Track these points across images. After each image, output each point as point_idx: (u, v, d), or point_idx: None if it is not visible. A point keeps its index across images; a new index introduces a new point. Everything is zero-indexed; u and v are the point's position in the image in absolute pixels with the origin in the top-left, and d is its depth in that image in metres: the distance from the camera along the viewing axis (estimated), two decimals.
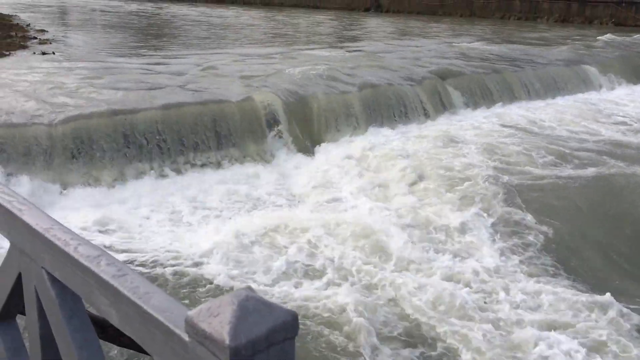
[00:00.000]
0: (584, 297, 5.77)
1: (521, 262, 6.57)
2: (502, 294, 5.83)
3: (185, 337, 0.97)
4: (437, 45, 20.78)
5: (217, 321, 0.91)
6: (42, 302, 1.43)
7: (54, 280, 1.36)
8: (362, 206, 8.11)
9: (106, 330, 1.47)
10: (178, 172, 9.02)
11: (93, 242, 5.56)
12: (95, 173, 8.49)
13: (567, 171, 9.39)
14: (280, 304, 0.97)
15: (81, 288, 1.27)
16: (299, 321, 0.97)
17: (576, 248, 7.06)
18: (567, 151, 10.36)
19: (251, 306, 0.93)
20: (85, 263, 1.22)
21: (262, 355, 0.90)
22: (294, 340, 0.96)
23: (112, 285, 1.15)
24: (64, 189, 8.16)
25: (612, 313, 5.48)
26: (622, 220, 7.78)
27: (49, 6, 37.04)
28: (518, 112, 13.50)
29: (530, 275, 6.29)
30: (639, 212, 8.03)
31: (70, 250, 1.26)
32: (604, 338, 5.16)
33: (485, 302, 5.71)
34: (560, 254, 6.85)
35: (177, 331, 1.00)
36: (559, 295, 5.83)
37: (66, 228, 1.36)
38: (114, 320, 1.18)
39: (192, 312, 0.96)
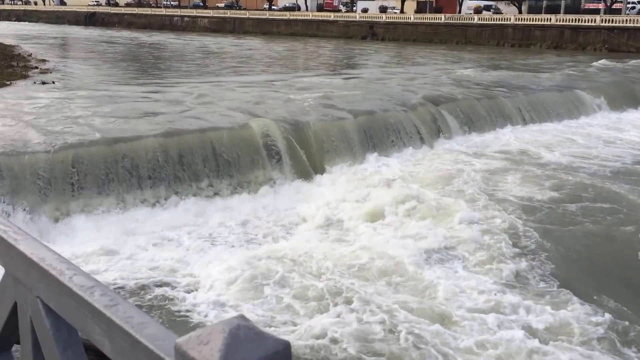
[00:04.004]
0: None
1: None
2: None
3: None
4: (432, 72, 21.07)
5: (207, 349, 0.89)
6: (36, 333, 1.43)
7: (49, 310, 1.37)
8: (362, 232, 8.13)
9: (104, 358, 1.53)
10: (177, 199, 9.02)
11: (94, 268, 5.57)
12: (94, 201, 8.46)
13: (554, 190, 9.49)
14: (272, 334, 0.95)
15: (75, 318, 1.27)
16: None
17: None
18: (562, 176, 10.46)
19: (242, 335, 0.92)
20: (80, 293, 1.22)
21: None
22: None
23: (104, 315, 1.15)
24: (62, 217, 8.11)
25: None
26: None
27: (50, 37, 37.53)
28: (512, 136, 13.67)
29: None
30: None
31: (65, 280, 1.27)
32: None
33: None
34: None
35: (168, 359, 0.99)
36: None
37: (62, 257, 1.37)
38: (107, 349, 1.17)
39: (181, 340, 0.94)
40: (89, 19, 72.22)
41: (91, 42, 35.73)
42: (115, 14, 72.72)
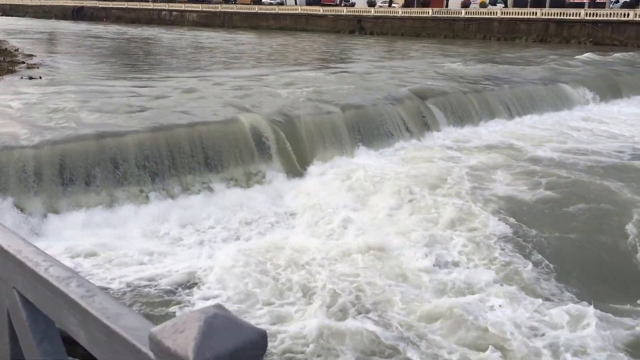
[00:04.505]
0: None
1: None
2: None
3: (151, 355, 0.94)
4: (420, 66, 21.24)
5: (182, 337, 0.89)
6: (13, 325, 1.43)
7: (25, 302, 1.37)
8: (351, 226, 8.23)
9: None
10: (167, 195, 9.02)
11: (82, 263, 5.63)
12: (82, 197, 8.43)
13: (541, 186, 9.69)
14: (249, 322, 0.95)
15: (52, 309, 1.27)
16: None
17: None
18: (541, 166, 10.68)
19: (218, 323, 0.91)
20: (56, 284, 1.22)
21: None
22: (262, 358, 0.95)
23: (80, 306, 1.14)
24: (51, 213, 8.08)
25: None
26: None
27: (37, 32, 37.26)
28: (496, 129, 13.88)
29: None
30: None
31: (41, 271, 1.26)
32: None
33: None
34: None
35: (144, 349, 0.98)
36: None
37: (38, 250, 1.37)
38: (83, 340, 1.17)
39: (155, 329, 0.93)
40: (77, 13, 71.63)
41: (79, 37, 35.52)
42: (102, 8, 72.16)
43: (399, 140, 12.39)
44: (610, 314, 5.94)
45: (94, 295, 1.16)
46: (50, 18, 70.34)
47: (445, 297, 6.29)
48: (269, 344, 5.27)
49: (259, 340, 0.93)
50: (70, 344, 1.35)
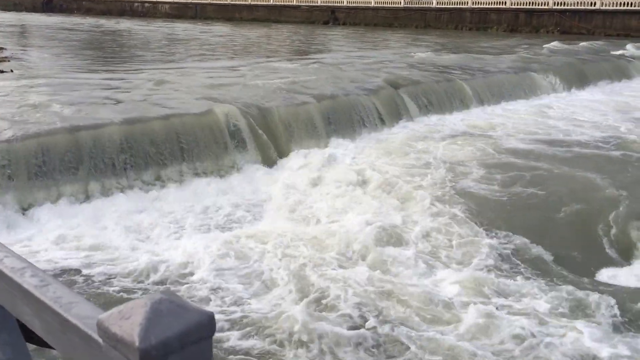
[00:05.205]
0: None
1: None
2: None
3: (101, 342, 0.96)
4: (393, 56, 21.54)
5: (128, 324, 0.90)
6: None
7: None
8: (325, 213, 8.47)
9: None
10: (142, 187, 9.08)
11: (65, 261, 5.74)
12: (57, 190, 8.45)
13: (512, 172, 10.07)
14: (196, 305, 0.96)
15: (7, 299, 1.27)
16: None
17: None
18: (514, 152, 11.07)
19: (165, 308, 0.92)
20: (10, 274, 1.22)
21: (176, 356, 0.90)
22: (210, 340, 0.96)
23: (34, 295, 1.15)
24: (26, 208, 8.10)
25: None
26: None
27: (7, 25, 36.57)
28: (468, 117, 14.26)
29: None
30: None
31: None
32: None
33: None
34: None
35: (94, 336, 0.99)
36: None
37: None
38: (38, 330, 1.18)
39: (103, 316, 0.94)
40: (47, 5, 70.23)
41: (51, 29, 34.98)
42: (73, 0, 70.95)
43: (372, 129, 12.67)
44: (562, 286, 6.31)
45: (47, 284, 1.17)
46: (20, 11, 68.88)
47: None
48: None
49: (206, 323, 0.94)
50: (28, 333, 1.36)
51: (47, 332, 1.15)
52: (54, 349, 1.17)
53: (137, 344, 0.87)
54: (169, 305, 0.93)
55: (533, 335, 5.42)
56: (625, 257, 7.24)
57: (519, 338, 5.40)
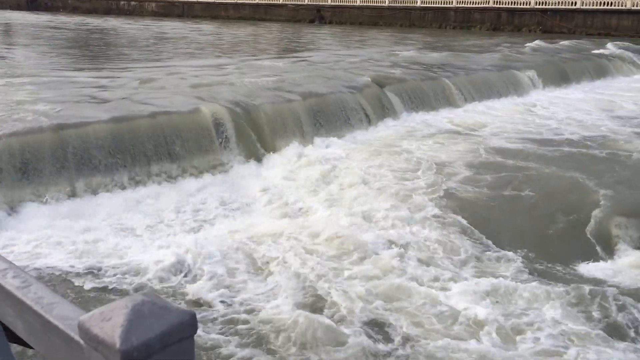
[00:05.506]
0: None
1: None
2: None
3: (82, 343, 0.95)
4: (378, 55, 21.73)
5: (109, 325, 0.90)
6: None
7: None
8: (311, 210, 8.59)
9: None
10: (129, 186, 9.09)
11: (51, 261, 5.72)
12: (43, 189, 8.42)
13: (494, 166, 10.29)
14: (177, 305, 0.97)
15: None
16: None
17: None
18: (498, 151, 11.30)
19: (146, 310, 0.92)
20: None
21: (158, 357, 0.90)
22: (192, 339, 0.96)
23: (16, 297, 1.15)
24: (13, 206, 8.07)
25: None
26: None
27: None
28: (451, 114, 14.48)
29: None
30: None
31: None
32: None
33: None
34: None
35: (76, 338, 0.99)
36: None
37: None
38: (20, 331, 1.18)
39: (84, 317, 0.94)
40: (31, 4, 69.47)
41: (37, 28, 34.71)
42: None
43: (357, 127, 12.82)
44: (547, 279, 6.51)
45: (29, 285, 1.17)
46: (4, 9, 68.13)
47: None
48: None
49: (188, 322, 0.94)
50: (12, 334, 1.35)
51: (29, 333, 1.15)
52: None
53: (118, 345, 0.87)
54: (150, 307, 0.93)
55: (519, 333, 5.58)
56: (608, 253, 7.44)
57: (504, 337, 5.56)
